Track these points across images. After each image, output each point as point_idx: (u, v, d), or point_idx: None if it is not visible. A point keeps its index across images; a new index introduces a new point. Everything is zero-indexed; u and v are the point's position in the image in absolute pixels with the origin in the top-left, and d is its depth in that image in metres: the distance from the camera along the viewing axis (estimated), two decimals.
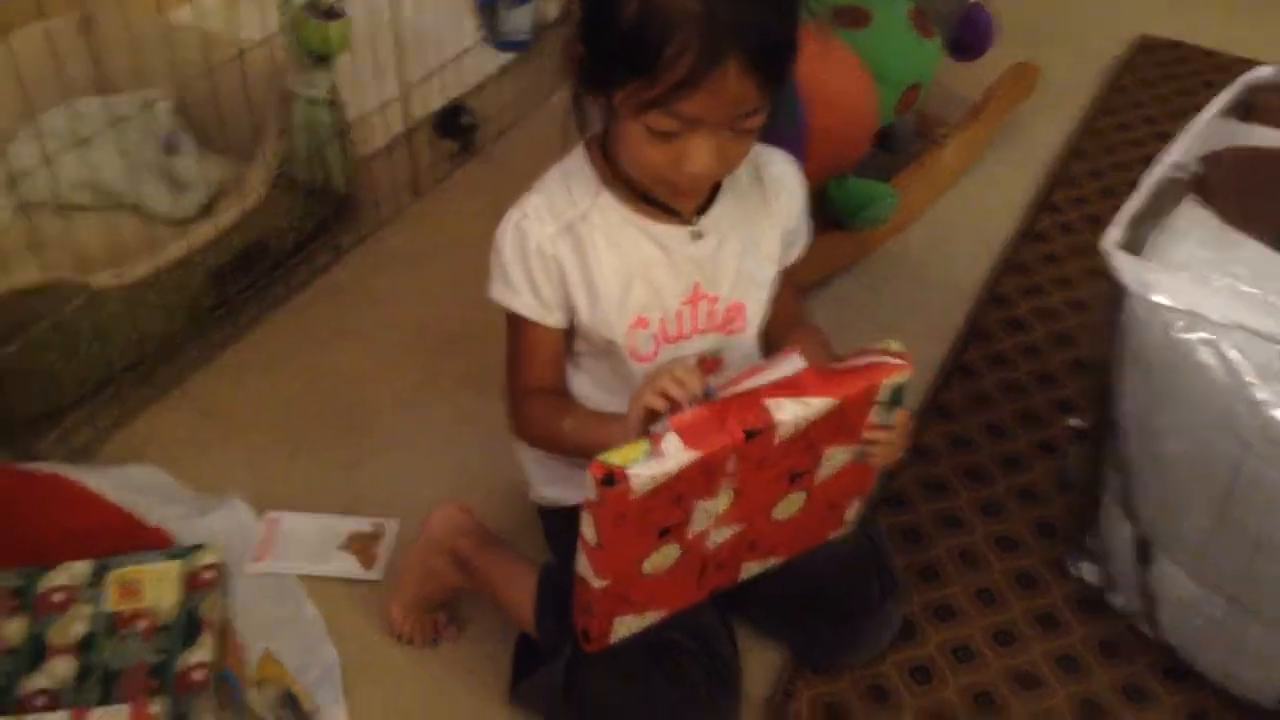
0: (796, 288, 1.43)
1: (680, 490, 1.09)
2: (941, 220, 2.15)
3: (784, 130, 1.79)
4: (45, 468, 1.62)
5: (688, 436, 1.08)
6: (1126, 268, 1.16)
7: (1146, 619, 1.39)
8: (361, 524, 1.59)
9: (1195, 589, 1.28)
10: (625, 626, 1.24)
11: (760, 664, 1.43)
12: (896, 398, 1.18)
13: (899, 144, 2.14)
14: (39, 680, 1.34)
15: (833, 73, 1.84)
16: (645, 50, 1.08)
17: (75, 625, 1.40)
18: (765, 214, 1.33)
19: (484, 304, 1.29)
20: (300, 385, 1.81)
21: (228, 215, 1.82)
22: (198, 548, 1.50)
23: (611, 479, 1.05)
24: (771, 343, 1.41)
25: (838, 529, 1.33)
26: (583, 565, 1.15)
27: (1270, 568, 1.18)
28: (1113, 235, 1.18)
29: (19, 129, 1.96)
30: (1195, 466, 1.20)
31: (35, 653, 1.37)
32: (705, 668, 1.30)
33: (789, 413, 1.10)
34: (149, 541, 1.54)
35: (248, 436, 1.73)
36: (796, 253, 1.39)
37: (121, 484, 1.62)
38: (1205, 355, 1.13)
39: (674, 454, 1.07)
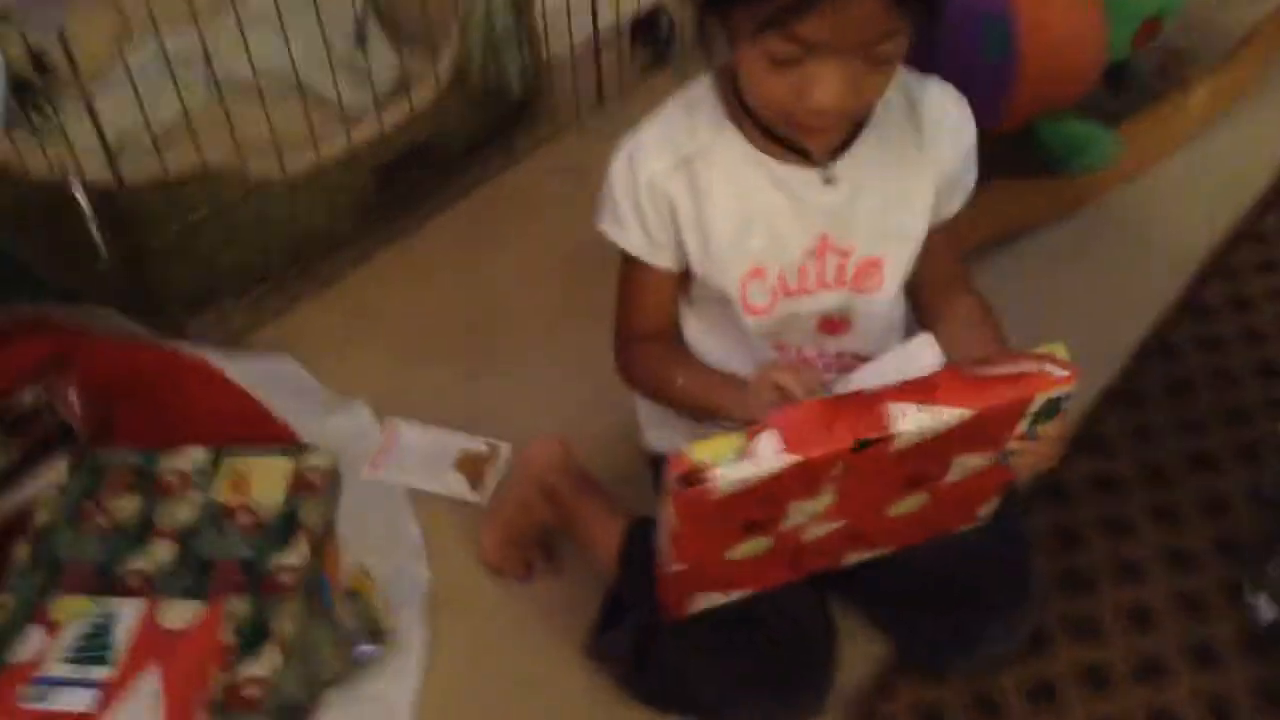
0: (957, 245, 1.26)
1: (773, 490, 0.98)
2: (1175, 175, 1.88)
3: (990, 58, 1.61)
4: (190, 349, 1.66)
5: (788, 437, 0.95)
6: None
7: None
8: (476, 443, 1.56)
9: None
10: (706, 600, 1.15)
11: (861, 655, 1.31)
12: (1053, 409, 1.02)
13: (1135, 83, 1.88)
14: (139, 561, 1.37)
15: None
16: None
17: (183, 510, 1.42)
18: (918, 158, 1.17)
19: None
20: (448, 294, 1.78)
21: (395, 113, 1.79)
22: (310, 448, 1.50)
23: (691, 479, 0.94)
24: (920, 307, 1.26)
25: (967, 523, 1.18)
26: (661, 543, 1.05)
27: None
28: None
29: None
30: None
31: (141, 533, 1.40)
32: (792, 650, 1.20)
33: (913, 423, 0.96)
34: (273, 434, 1.56)
35: (387, 340, 1.72)
36: (956, 204, 1.22)
37: (258, 374, 1.64)
38: None
39: (768, 456, 0.95)
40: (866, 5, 0.94)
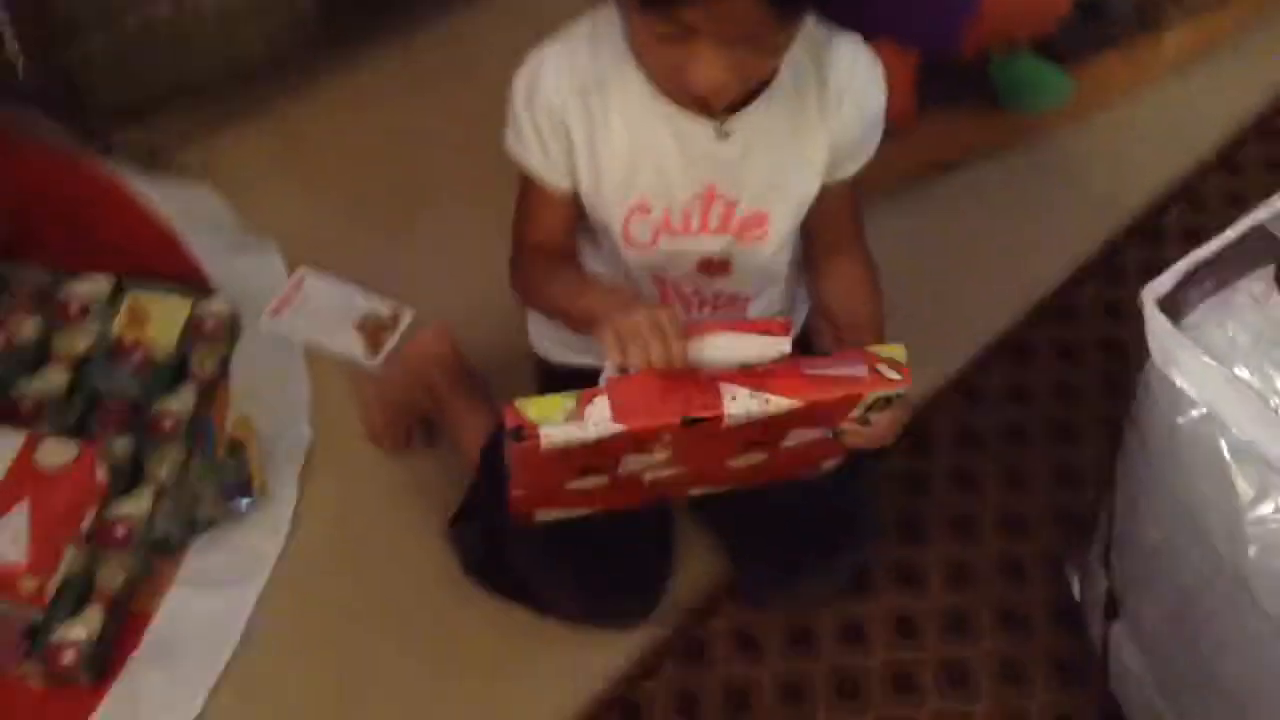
0: (851, 204, 1.26)
1: (604, 447, 1.03)
2: (1133, 119, 1.84)
3: None
4: (110, 168, 1.67)
5: (619, 407, 1.00)
6: (1155, 330, 0.96)
7: (1099, 663, 1.27)
8: (380, 306, 1.59)
9: (1143, 665, 1.15)
10: (550, 514, 1.21)
11: (701, 570, 1.39)
12: (886, 401, 1.07)
13: (1110, 19, 1.82)
14: (35, 385, 1.44)
15: None
16: None
17: (80, 339, 1.48)
18: (819, 121, 1.16)
19: None
20: (378, 141, 1.77)
21: None
22: (211, 293, 1.54)
23: (521, 433, 0.99)
24: (807, 258, 1.27)
25: (811, 473, 1.24)
26: (507, 466, 1.11)
27: (1211, 695, 1.04)
28: (1159, 285, 0.98)
29: None
30: (1166, 561, 1.04)
31: (39, 357, 1.46)
32: (624, 561, 1.28)
33: (741, 407, 1.01)
34: (180, 269, 1.59)
35: (310, 180, 1.72)
36: (853, 167, 1.22)
37: (174, 202, 1.66)
38: (1203, 459, 0.95)
39: (597, 422, 1.00)
40: (746, 8, 0.93)
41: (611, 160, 1.14)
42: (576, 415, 1.00)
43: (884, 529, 1.40)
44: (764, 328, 1.07)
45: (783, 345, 1.05)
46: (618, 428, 1.00)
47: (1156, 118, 1.85)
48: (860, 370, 1.05)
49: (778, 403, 1.02)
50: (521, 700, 1.31)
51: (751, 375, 1.03)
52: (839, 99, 1.16)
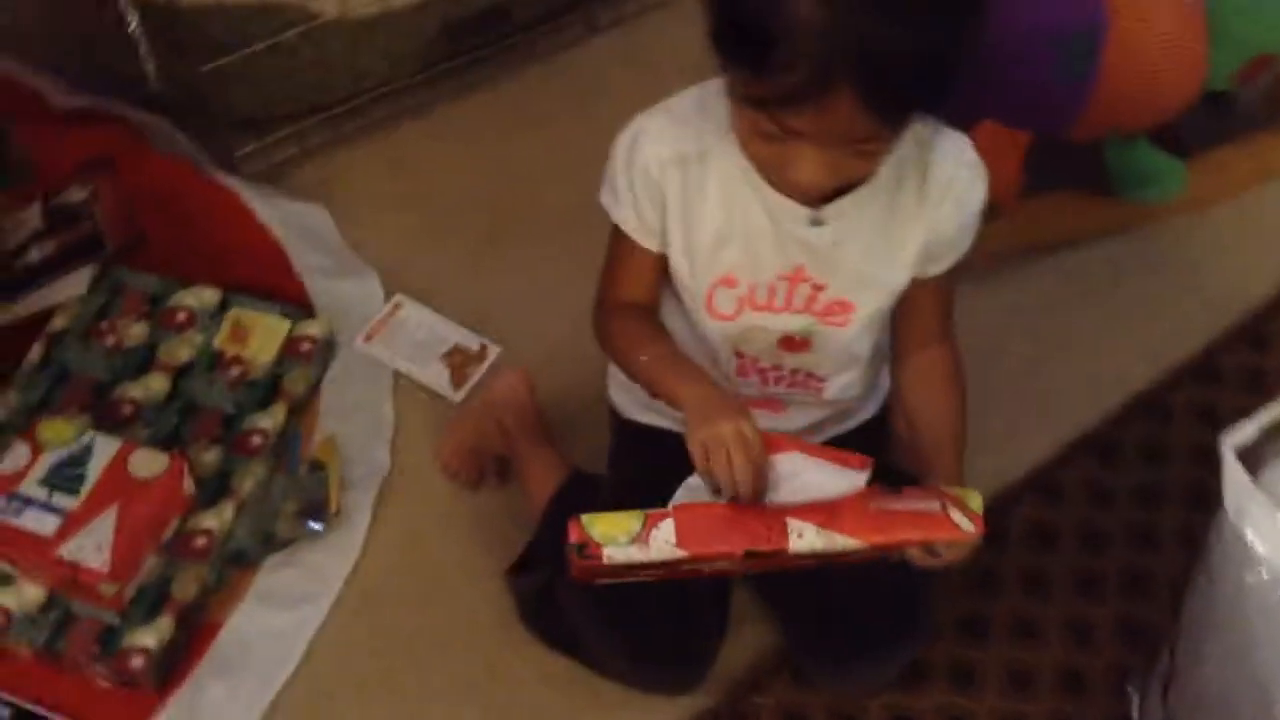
0: (940, 299, 1.25)
1: (666, 560, 1.05)
2: (1250, 218, 1.78)
3: (1061, 79, 1.53)
4: (230, 181, 1.73)
5: (684, 532, 1.02)
6: (1231, 481, 0.94)
7: None
8: (470, 340, 1.62)
9: None
10: (609, 580, 1.23)
11: (754, 640, 1.39)
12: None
13: (1236, 113, 1.77)
14: (135, 389, 1.50)
15: (1152, 12, 1.51)
16: (754, 45, 0.93)
17: (184, 349, 1.54)
18: (916, 215, 1.15)
19: None
20: (490, 168, 1.80)
21: None
22: (310, 313, 1.59)
23: (584, 550, 1.02)
24: (894, 345, 1.27)
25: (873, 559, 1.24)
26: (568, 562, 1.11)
27: None
28: (1239, 434, 0.96)
29: None
30: (1223, 711, 1.02)
31: (143, 363, 1.53)
32: (680, 629, 1.28)
33: (807, 544, 1.03)
34: (286, 288, 1.65)
35: (415, 205, 1.77)
36: (945, 264, 1.21)
37: (288, 218, 1.72)
38: (1269, 623, 0.92)
39: (660, 546, 1.02)
40: (853, 117, 0.93)
41: (703, 232, 1.15)
42: (642, 538, 1.02)
43: (941, 626, 1.39)
44: (843, 459, 1.07)
45: (858, 480, 1.06)
46: (681, 554, 1.03)
47: (1274, 218, 1.79)
48: (933, 513, 1.05)
49: (844, 542, 1.04)
50: None
51: (820, 510, 1.04)
52: (939, 196, 1.15)
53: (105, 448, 1.38)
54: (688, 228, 1.15)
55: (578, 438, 1.50)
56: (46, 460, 1.37)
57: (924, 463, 1.20)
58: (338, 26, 1.71)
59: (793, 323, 1.20)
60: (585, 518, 1.04)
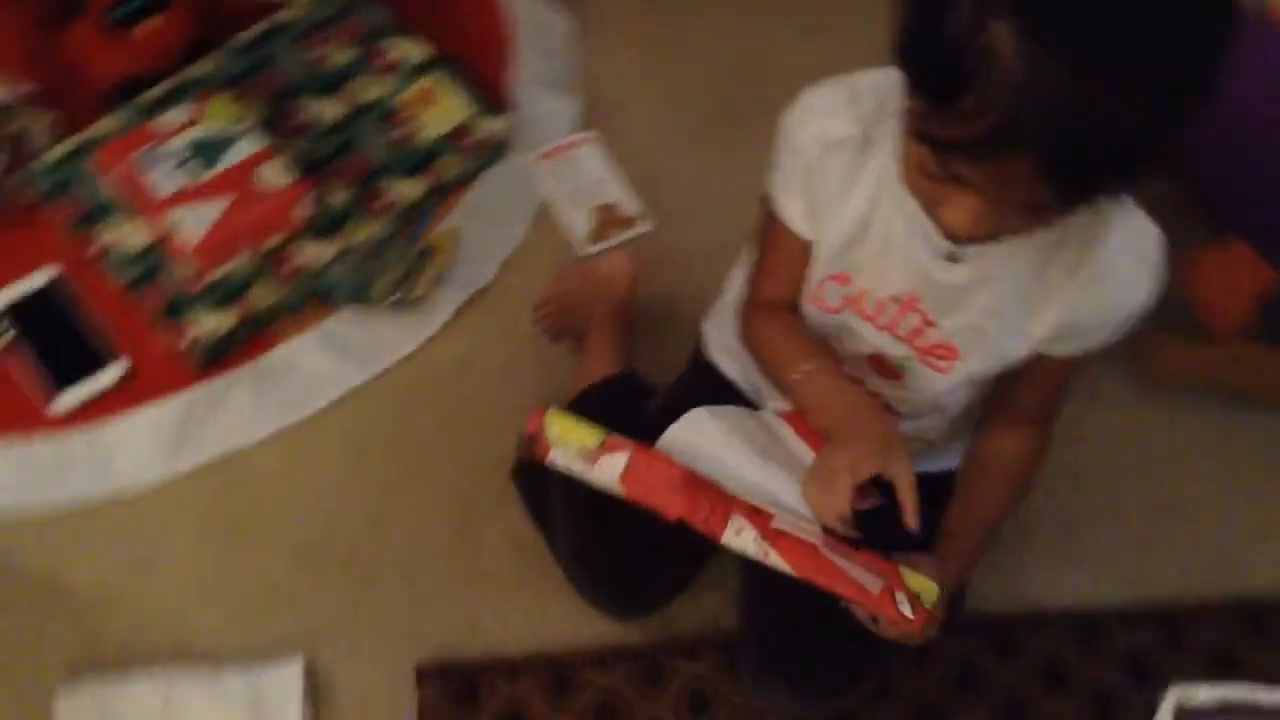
0: (1052, 383, 1.12)
1: None
2: None
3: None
4: None
5: (632, 472, 1.01)
6: None
7: None
8: (630, 204, 1.59)
9: None
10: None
11: (709, 614, 1.35)
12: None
13: None
14: (313, 106, 1.57)
15: None
16: (942, 79, 0.81)
17: (371, 90, 1.59)
18: (1057, 288, 1.02)
19: None
20: (751, 56, 1.73)
21: None
22: (496, 113, 1.59)
23: (532, 444, 1.02)
24: (983, 410, 1.16)
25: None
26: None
27: None
28: (1189, 694, 0.82)
29: None
30: None
31: (332, 85, 1.58)
32: (630, 571, 1.25)
33: (741, 545, 1.00)
34: (491, 76, 1.65)
35: (660, 57, 1.73)
36: (1071, 349, 1.07)
37: (530, 12, 1.72)
38: None
39: (603, 474, 1.01)
40: (1029, 183, 0.80)
41: (840, 222, 1.06)
42: (590, 458, 1.01)
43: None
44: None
45: (873, 580, 1.00)
46: (619, 489, 1.01)
47: None
48: (874, 586, 0.99)
49: (776, 561, 1.00)
50: (478, 615, 1.34)
51: (771, 525, 1.00)
52: (1091, 277, 1.00)
53: (251, 144, 1.45)
54: (827, 213, 1.07)
55: (657, 347, 1.46)
56: (200, 130, 1.45)
57: (942, 535, 1.12)
58: None
59: (889, 347, 1.10)
60: (551, 412, 1.02)
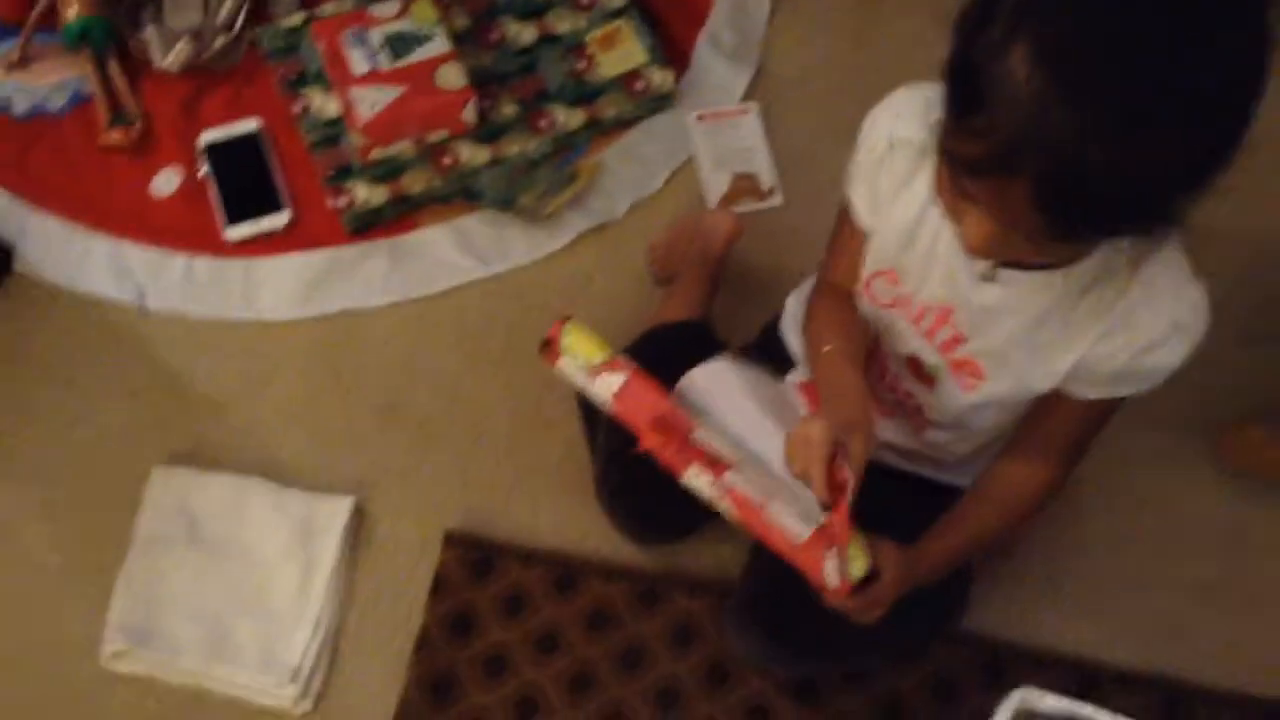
0: (1079, 423, 1.12)
1: None
2: None
3: None
4: None
5: (624, 393, 1.10)
6: None
7: None
8: (770, 177, 1.67)
9: None
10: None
11: (713, 560, 1.43)
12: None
13: None
14: (512, 26, 1.72)
15: None
16: (963, 90, 0.85)
17: (565, 23, 1.73)
18: (1084, 332, 1.03)
19: None
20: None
21: None
22: (670, 67, 1.69)
23: (548, 346, 1.12)
24: (1011, 436, 1.19)
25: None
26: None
27: None
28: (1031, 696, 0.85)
29: None
30: None
31: (535, 11, 1.73)
32: (663, 502, 1.34)
33: (694, 486, 1.09)
34: (678, 33, 1.76)
35: (859, 49, 1.79)
36: (1089, 395, 1.08)
37: None
38: None
39: (599, 388, 1.11)
40: (1026, 209, 0.83)
41: (896, 220, 1.10)
42: (592, 372, 1.11)
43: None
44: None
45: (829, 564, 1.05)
46: (611, 405, 1.11)
47: None
48: (813, 552, 1.04)
49: (727, 510, 1.08)
50: (515, 503, 1.46)
51: (723, 477, 1.08)
52: (1118, 325, 1.02)
53: (438, 46, 1.61)
54: (884, 210, 1.12)
55: (743, 312, 1.51)
56: (401, 24, 1.62)
57: (927, 532, 1.16)
58: None
59: (926, 353, 1.15)
60: (572, 323, 1.12)
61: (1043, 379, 1.08)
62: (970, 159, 0.84)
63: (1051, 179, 0.80)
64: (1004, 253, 0.94)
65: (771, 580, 1.29)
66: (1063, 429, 1.13)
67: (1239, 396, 1.50)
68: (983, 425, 1.18)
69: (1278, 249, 1.61)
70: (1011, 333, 1.06)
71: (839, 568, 1.03)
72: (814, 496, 1.05)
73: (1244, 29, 0.78)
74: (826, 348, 1.15)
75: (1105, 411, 1.10)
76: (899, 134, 1.07)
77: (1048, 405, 1.11)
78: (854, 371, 1.13)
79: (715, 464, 1.08)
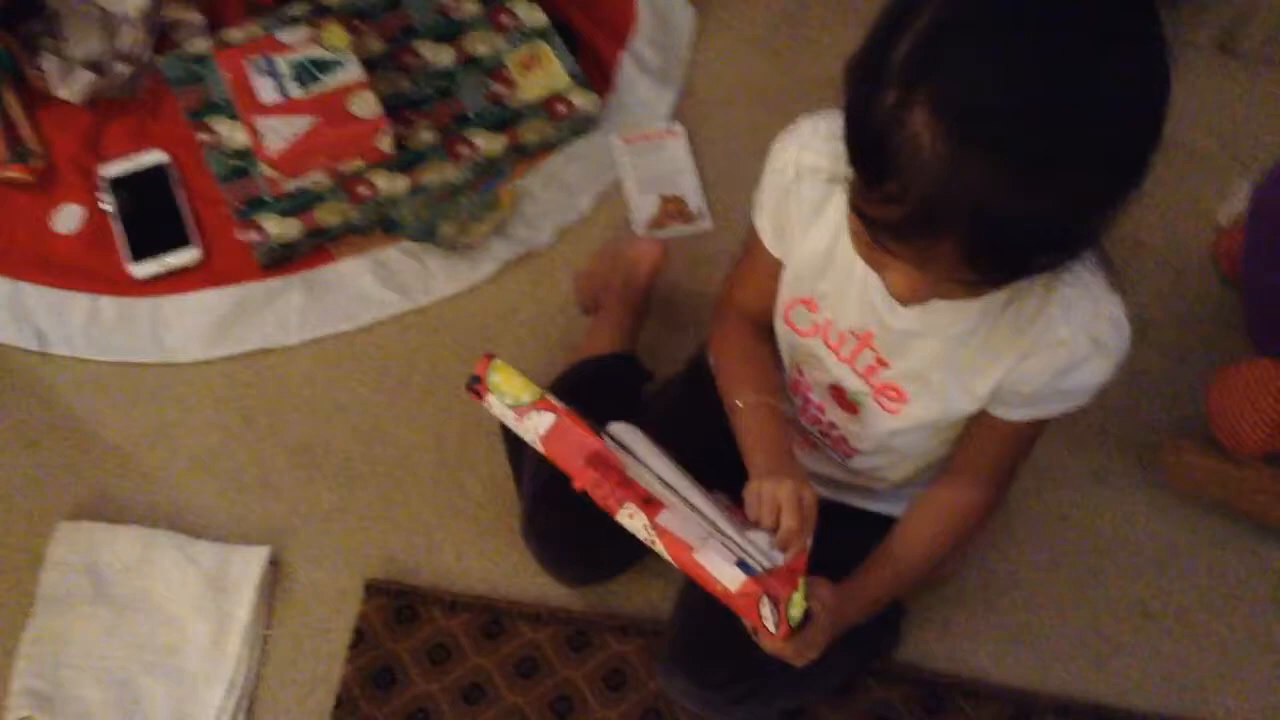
0: (1006, 443, 1.11)
1: None
2: None
3: None
4: None
5: (553, 435, 1.06)
6: None
7: None
8: (697, 200, 1.63)
9: None
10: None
11: (644, 600, 1.38)
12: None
13: None
14: (426, 49, 1.67)
15: None
16: (868, 158, 0.82)
17: (483, 45, 1.68)
18: (1003, 351, 1.01)
19: None
20: None
21: None
22: (589, 89, 1.65)
23: (474, 385, 1.07)
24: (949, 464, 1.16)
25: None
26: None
27: None
28: None
29: None
30: None
31: (451, 34, 1.69)
32: (590, 540, 1.31)
33: (630, 526, 1.05)
34: (602, 52, 1.72)
35: (772, 78, 1.75)
36: (1013, 416, 1.06)
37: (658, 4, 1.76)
38: None
39: (528, 429, 1.06)
40: (952, 263, 0.82)
41: (808, 249, 1.08)
42: (520, 412, 1.06)
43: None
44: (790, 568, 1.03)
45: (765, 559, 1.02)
46: (539, 448, 1.06)
47: None
48: (750, 597, 1.00)
49: (660, 550, 1.04)
50: (439, 546, 1.41)
51: (657, 518, 1.03)
52: (1036, 345, 0.99)
53: (349, 72, 1.56)
54: (796, 237, 1.09)
55: (673, 340, 1.50)
56: (310, 51, 1.57)
57: (862, 565, 1.14)
58: None
59: (848, 380, 1.12)
60: (498, 362, 1.07)
61: (967, 400, 1.06)
62: (889, 222, 0.82)
63: (974, 235, 0.79)
64: (932, 297, 0.91)
65: (700, 623, 1.26)
66: (991, 450, 1.12)
67: (1167, 412, 1.48)
68: (911, 450, 1.16)
69: (1199, 261, 1.61)
70: (933, 354, 1.04)
71: (775, 613, 1.00)
72: (756, 542, 1.03)
73: (1134, 51, 0.77)
74: (741, 402, 1.15)
75: (1032, 432, 1.09)
76: (806, 162, 1.05)
77: (976, 427, 1.09)
78: (775, 425, 1.13)
79: (649, 503, 1.04)
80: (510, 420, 1.07)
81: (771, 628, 1.00)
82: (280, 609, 1.36)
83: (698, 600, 1.26)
